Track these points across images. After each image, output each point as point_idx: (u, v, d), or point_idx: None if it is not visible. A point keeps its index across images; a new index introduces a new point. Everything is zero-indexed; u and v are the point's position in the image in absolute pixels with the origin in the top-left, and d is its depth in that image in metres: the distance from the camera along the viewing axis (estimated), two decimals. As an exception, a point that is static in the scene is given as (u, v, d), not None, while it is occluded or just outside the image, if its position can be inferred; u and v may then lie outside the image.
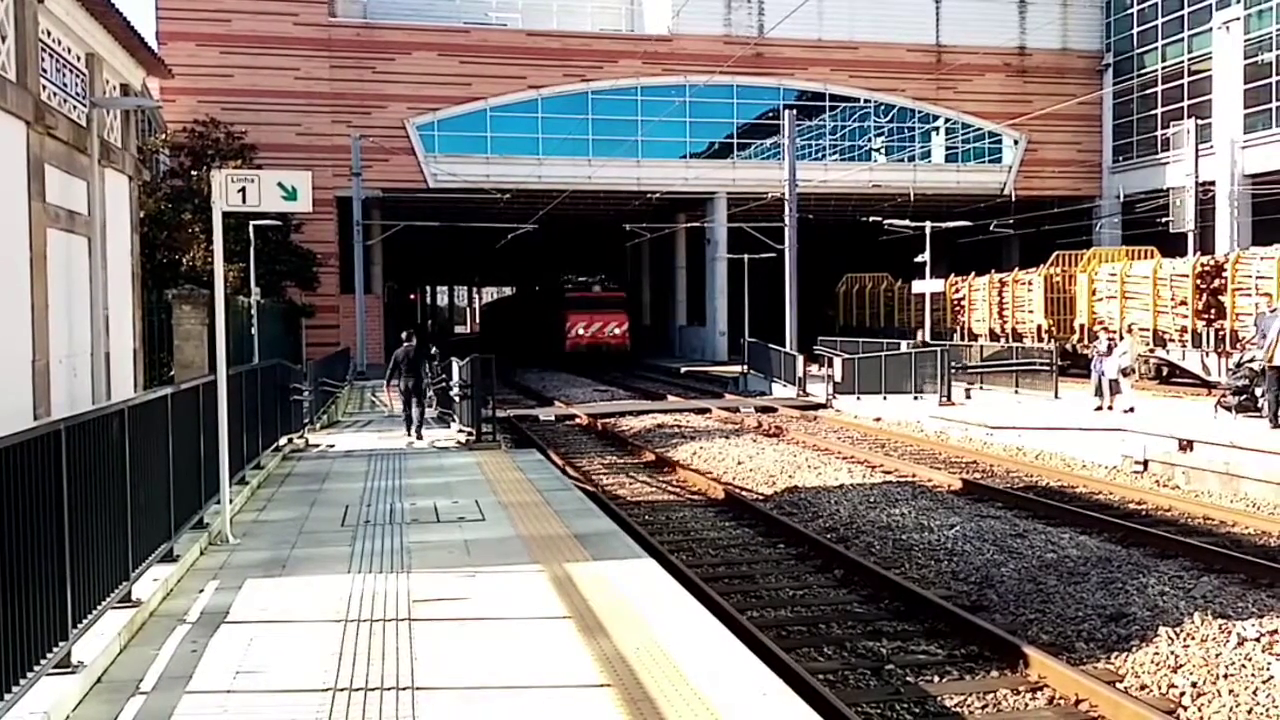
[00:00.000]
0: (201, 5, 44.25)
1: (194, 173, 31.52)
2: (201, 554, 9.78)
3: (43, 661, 5.68)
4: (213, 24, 44.53)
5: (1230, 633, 8.66)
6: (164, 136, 35.86)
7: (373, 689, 6.14)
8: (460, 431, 19.53)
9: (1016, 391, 27.94)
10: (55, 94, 13.04)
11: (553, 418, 29.16)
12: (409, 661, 6.62)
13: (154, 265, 24.95)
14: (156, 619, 7.74)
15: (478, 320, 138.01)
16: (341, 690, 6.13)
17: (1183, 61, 48.93)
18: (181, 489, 9.29)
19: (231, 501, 11.11)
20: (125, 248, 16.04)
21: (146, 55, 16.52)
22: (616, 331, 50.40)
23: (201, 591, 8.50)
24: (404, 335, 21.04)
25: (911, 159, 52.29)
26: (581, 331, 49.82)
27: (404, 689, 6.13)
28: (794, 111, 39.36)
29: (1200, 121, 41.18)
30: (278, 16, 45.20)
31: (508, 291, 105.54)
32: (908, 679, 8.25)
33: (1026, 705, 7.74)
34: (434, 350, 25.87)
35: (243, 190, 10.43)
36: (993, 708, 7.71)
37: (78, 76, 14.04)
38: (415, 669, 6.47)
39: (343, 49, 46.29)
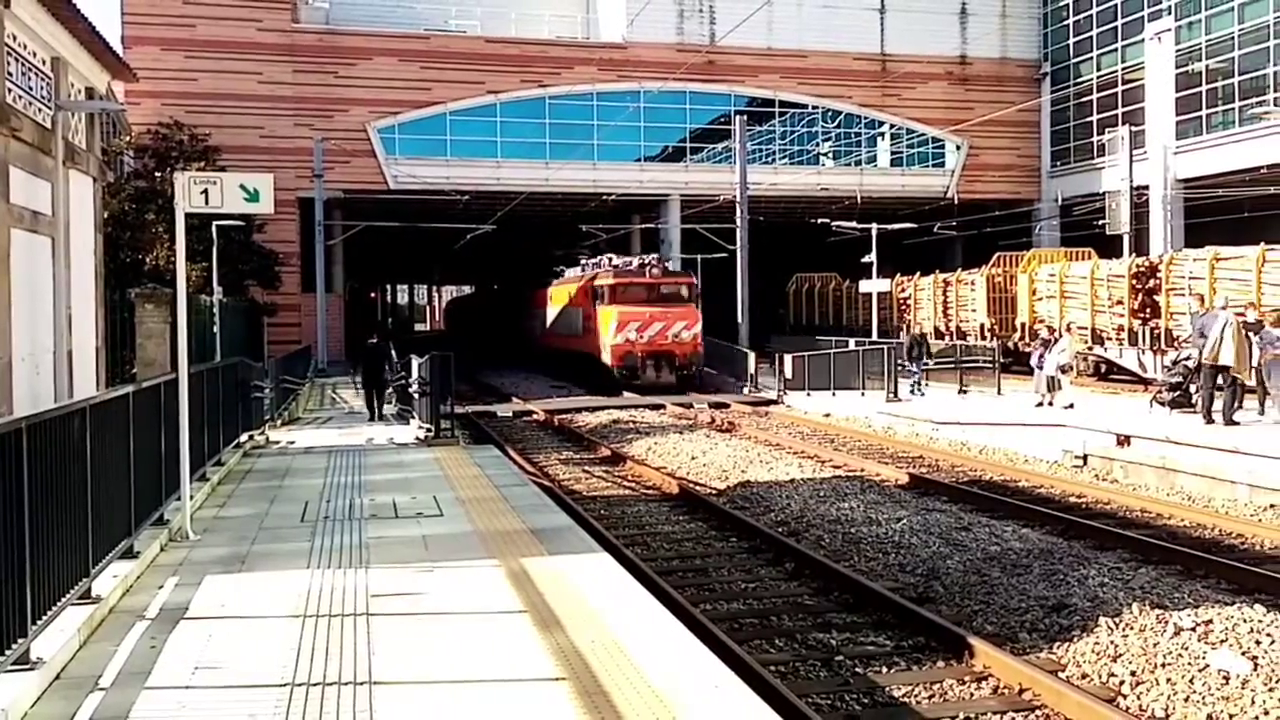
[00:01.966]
0: (166, 11, 44.93)
1: (158, 174, 31.47)
2: (162, 550, 9.82)
3: (1, 659, 5.74)
4: (177, 29, 45.12)
5: (1167, 622, 8.92)
6: (128, 139, 35.75)
7: (331, 684, 6.21)
8: (419, 428, 19.62)
9: (963, 391, 28.38)
10: (20, 97, 13.01)
11: (510, 414, 29.29)
12: (367, 656, 6.70)
13: (118, 265, 24.89)
14: (116, 615, 7.78)
15: (438, 318, 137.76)
16: (300, 685, 6.20)
17: (1117, 70, 50.52)
18: (142, 486, 9.34)
19: (192, 498, 11.14)
20: (89, 247, 16.02)
21: (111, 59, 16.53)
22: (686, 335, 34.01)
23: (161, 588, 8.55)
24: (370, 341, 24.46)
25: (858, 163, 53.57)
26: (634, 335, 33.62)
27: (362, 683, 6.21)
28: (745, 117, 40.33)
29: (1134, 128, 42.25)
30: (241, 22, 45.88)
31: (468, 290, 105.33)
32: (857, 670, 8.44)
33: (972, 695, 7.95)
34: (390, 348, 26.12)
35: (205, 192, 10.50)
36: (939, 698, 7.91)
37: (43, 80, 14.01)
38: (373, 663, 6.56)
39: (305, 54, 46.99)
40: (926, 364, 29.83)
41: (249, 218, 30.97)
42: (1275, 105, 39.47)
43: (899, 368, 28.50)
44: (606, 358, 34.10)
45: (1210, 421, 17.89)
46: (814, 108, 52.77)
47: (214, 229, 27.27)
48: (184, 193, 10.55)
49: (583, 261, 42.55)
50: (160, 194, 29.11)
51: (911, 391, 28.36)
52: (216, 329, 27.20)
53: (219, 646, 6.99)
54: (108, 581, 8.08)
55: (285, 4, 47.33)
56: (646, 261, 36.37)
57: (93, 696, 6.15)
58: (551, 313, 43.51)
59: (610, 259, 38.08)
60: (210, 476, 13.52)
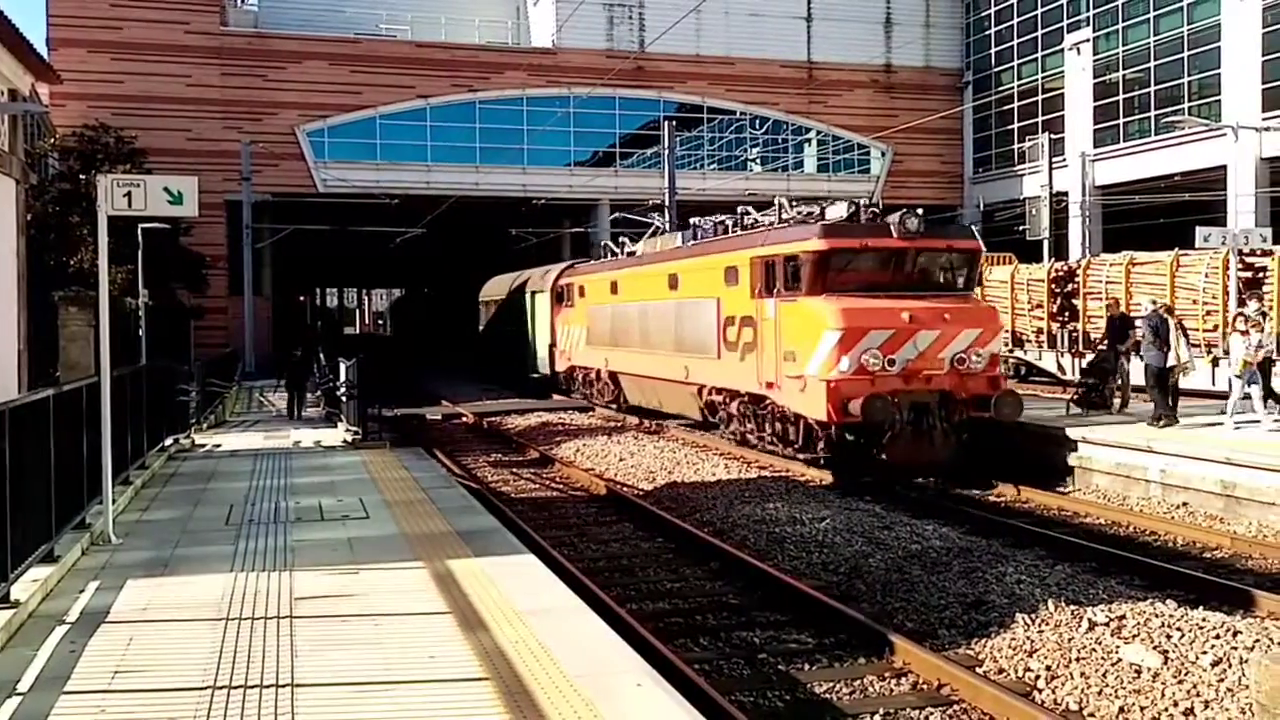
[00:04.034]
0: (93, 13, 44.17)
1: (83, 177, 30.91)
2: (83, 554, 9.68)
3: (-85, 664, 5.65)
4: (104, 31, 44.37)
5: (1082, 618, 9.17)
6: (53, 141, 35.07)
7: (252, 686, 6.20)
8: (347, 431, 19.48)
9: None
10: (-61, 99, 12.74)
11: (439, 417, 29.16)
12: (289, 658, 6.69)
13: (42, 268, 24.44)
14: (35, 620, 7.68)
15: (368, 321, 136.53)
16: (221, 688, 6.18)
17: (1037, 80, 51.79)
18: (63, 489, 9.21)
19: (115, 501, 10.99)
20: (11, 250, 15.78)
21: (34, 61, 16.29)
22: (979, 357, 16.96)
23: (82, 592, 8.44)
24: (295, 353, 25.75)
25: (785, 169, 54.37)
26: (875, 358, 16.37)
27: (284, 686, 6.20)
28: (674, 123, 40.48)
29: (1054, 136, 43.35)
30: (169, 25, 45.27)
31: (397, 293, 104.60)
32: (779, 667, 8.58)
33: (891, 690, 8.12)
34: (316, 358, 26.48)
35: (128, 194, 10.39)
36: (860, 693, 8.06)
37: (-37, 83, 13.74)
38: (295, 665, 6.55)
39: (234, 57, 46.48)
40: None
41: (175, 220, 30.62)
42: (1189, 115, 40.65)
43: None
44: (807, 405, 16.92)
45: (1156, 423, 17.26)
46: (742, 114, 53.31)
47: (140, 232, 26.91)
48: (107, 195, 10.43)
49: (656, 227, 30.93)
50: (85, 197, 28.70)
51: None
52: (142, 332, 26.83)
53: (140, 650, 6.93)
54: (27, 586, 7.97)
55: (214, 7, 46.70)
56: (863, 207, 17.98)
57: (10, 702, 6.07)
58: (592, 319, 28.58)
59: (784, 206, 19.84)
60: (134, 480, 13.33)
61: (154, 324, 28.50)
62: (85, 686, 6.28)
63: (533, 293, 35.27)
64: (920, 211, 17.44)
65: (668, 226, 37.10)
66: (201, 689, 6.18)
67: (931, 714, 7.65)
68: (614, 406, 27.73)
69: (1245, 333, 16.77)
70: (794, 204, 19.90)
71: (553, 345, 32.97)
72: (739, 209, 21.76)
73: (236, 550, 9.88)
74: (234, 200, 44.09)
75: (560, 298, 31.94)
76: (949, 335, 16.69)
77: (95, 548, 10.02)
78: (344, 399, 20.19)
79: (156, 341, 28.31)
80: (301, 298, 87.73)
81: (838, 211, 18.06)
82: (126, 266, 27.28)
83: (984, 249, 19.36)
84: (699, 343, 21.04)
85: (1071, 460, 16.94)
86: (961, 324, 16.84)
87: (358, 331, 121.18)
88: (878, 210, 18.03)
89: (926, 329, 16.57)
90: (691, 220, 23.31)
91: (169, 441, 17.24)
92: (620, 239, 29.34)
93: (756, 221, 20.86)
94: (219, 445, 18.59)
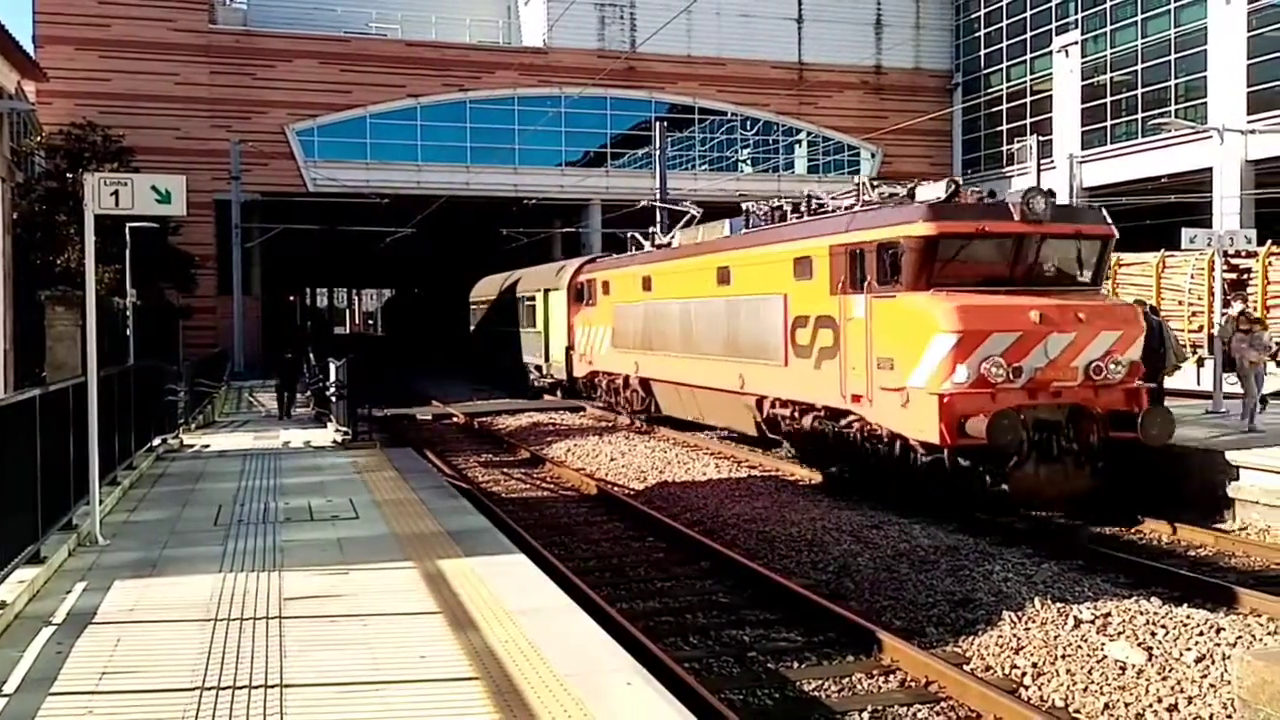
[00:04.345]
0: (80, 10, 44.04)
1: (70, 175, 30.82)
2: (70, 555, 9.65)
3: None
4: (92, 28, 44.25)
5: (1068, 615, 9.25)
6: (40, 139, 34.99)
7: (240, 687, 6.18)
8: (336, 431, 19.46)
9: None
10: (-76, 96, 12.70)
11: (430, 417, 29.14)
12: (278, 659, 6.67)
13: (29, 267, 24.36)
14: (21, 621, 7.65)
15: (358, 321, 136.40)
16: (209, 689, 6.16)
17: (1026, 82, 52.05)
18: (50, 490, 9.17)
19: (102, 502, 10.96)
20: (-4, 248, 15.71)
21: (20, 58, 16.25)
22: (1118, 364, 14.09)
23: (69, 593, 8.41)
24: (286, 356, 25.66)
25: (776, 170, 54.59)
26: (999, 366, 13.50)
27: (272, 686, 6.18)
28: (665, 123, 40.59)
29: (1042, 138, 43.48)
30: (157, 22, 45.15)
31: (388, 293, 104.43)
32: (769, 665, 8.60)
33: (880, 687, 8.15)
34: (305, 359, 26.51)
35: (116, 193, 10.35)
36: (848, 691, 8.10)
37: (-52, 79, 13.70)
38: (284, 666, 6.53)
39: (222, 55, 46.39)
40: None
41: (163, 220, 30.57)
42: (1175, 118, 40.82)
43: None
44: (909, 423, 14.15)
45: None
46: (733, 115, 53.53)
47: (128, 231, 26.84)
48: (94, 194, 10.40)
49: (692, 215, 25.03)
50: (72, 195, 28.61)
51: None
52: (130, 332, 26.75)
53: (127, 651, 6.91)
54: (13, 587, 7.94)
55: (202, 5, 46.62)
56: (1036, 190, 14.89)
57: (-4, 703, 6.05)
58: (619, 318, 25.71)
59: (865, 187, 17.05)
60: (121, 480, 13.30)
61: (142, 324, 28.42)
62: (72, 688, 6.26)
63: (545, 290, 32.75)
64: (1049, 189, 15.13)
65: (658, 228, 37.07)
66: (189, 690, 6.16)
67: (919, 711, 7.68)
68: (642, 417, 25.08)
69: (1249, 331, 16.39)
70: (874, 184, 17.24)
71: (570, 348, 30.16)
72: (805, 192, 19.26)
73: (225, 551, 9.85)
74: (223, 199, 44.02)
75: (579, 295, 29.21)
76: (1084, 339, 13.78)
77: (82, 549, 9.98)
78: (334, 399, 20.17)
79: (145, 341, 28.24)
80: (291, 298, 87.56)
81: (932, 192, 15.36)
82: (114, 266, 27.21)
83: (1114, 233, 15.32)
84: (759, 346, 18.20)
85: (1229, 490, 13.87)
86: (1098, 325, 13.95)
87: (348, 331, 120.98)
88: (981, 193, 15.84)
89: (1059, 331, 13.67)
90: (745, 205, 20.42)
91: (157, 442, 17.20)
92: (649, 230, 26.45)
93: (823, 205, 18.19)
94: (207, 445, 18.55)
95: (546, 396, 31.15)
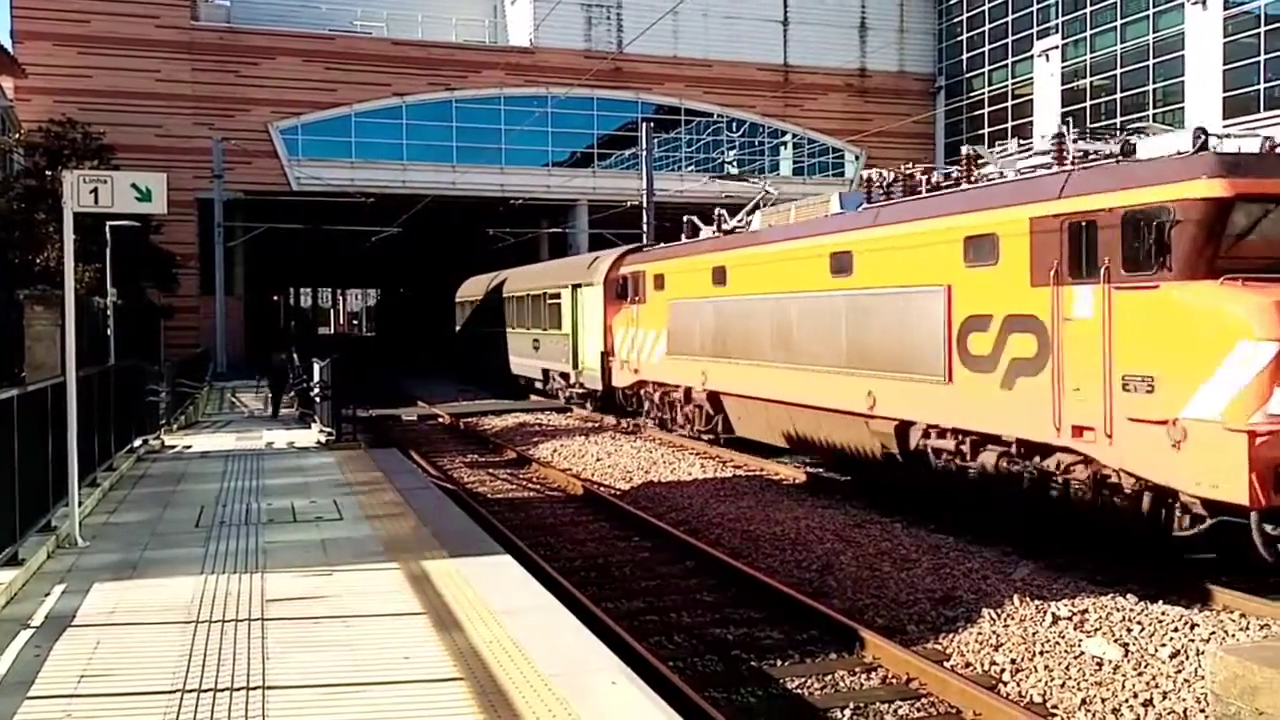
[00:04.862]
0: (59, 5, 43.75)
1: (49, 173, 30.64)
2: (49, 557, 9.61)
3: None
4: (71, 24, 43.99)
5: (1046, 612, 9.33)
6: (18, 136, 34.75)
7: (222, 689, 6.16)
8: (320, 432, 19.42)
9: None
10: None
11: (415, 417, 29.09)
12: (260, 661, 6.65)
13: (7, 266, 24.21)
14: (-1, 624, 7.64)
15: (342, 321, 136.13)
16: (190, 692, 6.14)
17: (1007, 85, 52.44)
18: (28, 492, 9.14)
19: (82, 504, 10.92)
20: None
21: (-2, 54, 16.08)
22: None
23: (47, 595, 8.37)
24: (279, 357, 26.13)
25: (761, 171, 54.38)
26: None
27: (254, 688, 6.16)
28: (651, 124, 40.64)
29: (1023, 141, 43.64)
30: (138, 19, 44.93)
31: (373, 293, 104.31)
32: (753, 663, 8.64)
33: (862, 685, 8.20)
34: (293, 352, 26.57)
35: (95, 191, 10.32)
36: (831, 688, 8.14)
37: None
38: (267, 668, 6.51)
39: (205, 52, 46.22)
40: None
41: (145, 218, 30.39)
42: (1153, 121, 41.06)
43: None
44: (1189, 472, 10.08)
45: None
46: (719, 116, 53.76)
47: (108, 229, 26.70)
48: (73, 191, 10.35)
49: (767, 193, 23.18)
50: (51, 193, 28.44)
51: None
52: (110, 331, 26.62)
53: (107, 654, 6.88)
54: (-9, 590, 7.91)
55: (184, 1, 46.40)
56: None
57: (-27, 706, 6.02)
58: (678, 319, 22.00)
59: (1064, 135, 12.77)
60: (101, 482, 13.24)
61: (123, 323, 28.28)
62: (50, 691, 6.22)
63: (573, 286, 29.02)
64: None
65: (646, 231, 37.02)
66: (170, 692, 6.14)
67: (900, 707, 7.72)
68: (708, 438, 21.08)
69: None
70: (1078, 134, 13.03)
71: (606, 353, 26.43)
72: (963, 150, 14.89)
73: (207, 552, 9.82)
74: (205, 198, 43.76)
75: (621, 292, 25.30)
76: None
77: (61, 551, 9.94)
78: (318, 399, 20.12)
79: (125, 341, 28.10)
80: (275, 297, 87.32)
81: (1161, 145, 11.48)
82: (94, 265, 27.06)
83: None
84: (901, 356, 14.11)
85: None
86: None
87: (332, 332, 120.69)
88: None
89: None
90: (864, 173, 17.06)
91: (138, 443, 17.14)
92: (716, 211, 22.34)
93: (981, 175, 14.01)
94: (189, 446, 18.48)
95: (576, 410, 28.76)
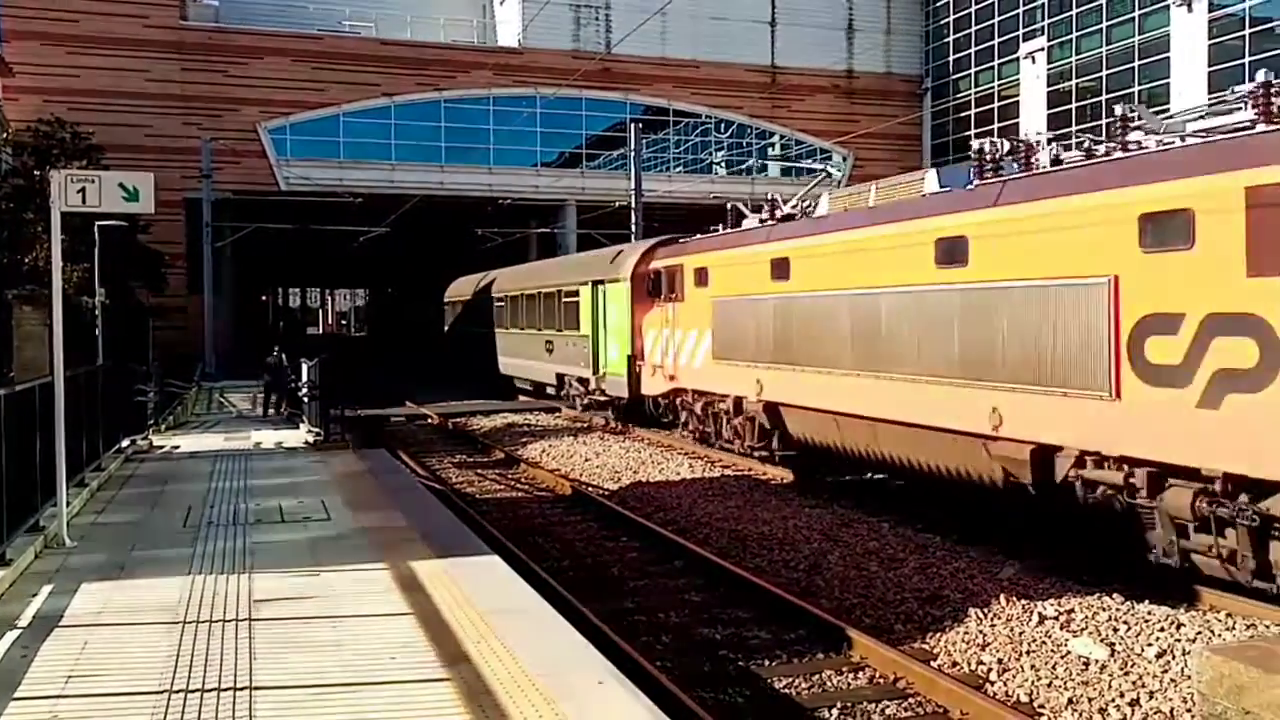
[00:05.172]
0: (48, 5, 43.56)
1: (37, 173, 30.52)
2: (36, 558, 9.59)
3: None
4: (60, 24, 43.84)
5: (1032, 612, 9.37)
6: (6, 135, 34.55)
7: (210, 690, 6.16)
8: (309, 432, 19.39)
9: None
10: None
11: (404, 418, 29.05)
12: (248, 661, 6.65)
13: None
14: (-15, 624, 7.61)
15: (330, 321, 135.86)
16: (178, 692, 6.13)
17: (994, 87, 52.65)
18: (15, 492, 9.11)
19: (69, 504, 10.90)
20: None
21: (-16, 53, 16.04)
22: None
23: (35, 595, 8.36)
24: (276, 355, 25.86)
25: (749, 172, 54.98)
26: None
27: (242, 689, 6.16)
28: (639, 125, 40.67)
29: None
30: (127, 18, 44.79)
31: (361, 293, 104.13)
32: (740, 663, 8.66)
33: (849, 684, 8.23)
34: (279, 352, 26.56)
35: (82, 191, 10.31)
36: (818, 687, 8.17)
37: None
38: (254, 668, 6.51)
39: (194, 52, 46.13)
40: None
41: (133, 218, 30.33)
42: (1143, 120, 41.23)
43: None
44: None
45: None
46: (707, 117, 53.84)
47: (96, 229, 26.62)
48: (60, 191, 10.35)
49: (827, 172, 23.53)
50: (40, 193, 28.29)
51: None
52: (98, 332, 26.55)
53: (94, 654, 6.87)
54: (-22, 590, 7.89)
55: (173, 1, 46.26)
56: None
57: (-40, 708, 6.01)
58: (725, 319, 19.52)
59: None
60: (89, 482, 13.22)
61: (111, 323, 28.20)
62: (37, 692, 6.21)
63: (593, 283, 26.79)
64: None
65: (634, 231, 36.97)
66: (158, 693, 6.13)
67: (888, 707, 7.75)
68: (760, 454, 18.52)
69: None
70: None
71: (634, 357, 24.08)
72: (1118, 109, 11.91)
73: (194, 553, 9.81)
74: (194, 198, 43.58)
75: (653, 289, 22.78)
76: None
77: (49, 551, 9.92)
78: (306, 399, 20.10)
79: (114, 341, 28.02)
80: (263, 297, 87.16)
81: None
82: (82, 265, 26.98)
83: None
84: (1043, 365, 11.51)
85: None
86: None
87: (320, 332, 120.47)
88: None
89: None
90: (977, 142, 13.67)
91: (126, 443, 17.09)
92: (770, 195, 20.04)
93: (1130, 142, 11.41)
94: (178, 447, 18.44)
95: (595, 418, 26.62)
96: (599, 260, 27.67)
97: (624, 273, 24.84)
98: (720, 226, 21.81)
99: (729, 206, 21.76)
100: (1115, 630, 8.80)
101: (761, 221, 19.22)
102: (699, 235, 22.13)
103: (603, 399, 26.18)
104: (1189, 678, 7.56)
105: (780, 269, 17.18)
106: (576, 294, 27.94)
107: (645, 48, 49.12)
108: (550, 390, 30.63)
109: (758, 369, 17.93)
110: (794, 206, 18.77)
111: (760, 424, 18.22)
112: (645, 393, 23.53)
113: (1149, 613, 9.22)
